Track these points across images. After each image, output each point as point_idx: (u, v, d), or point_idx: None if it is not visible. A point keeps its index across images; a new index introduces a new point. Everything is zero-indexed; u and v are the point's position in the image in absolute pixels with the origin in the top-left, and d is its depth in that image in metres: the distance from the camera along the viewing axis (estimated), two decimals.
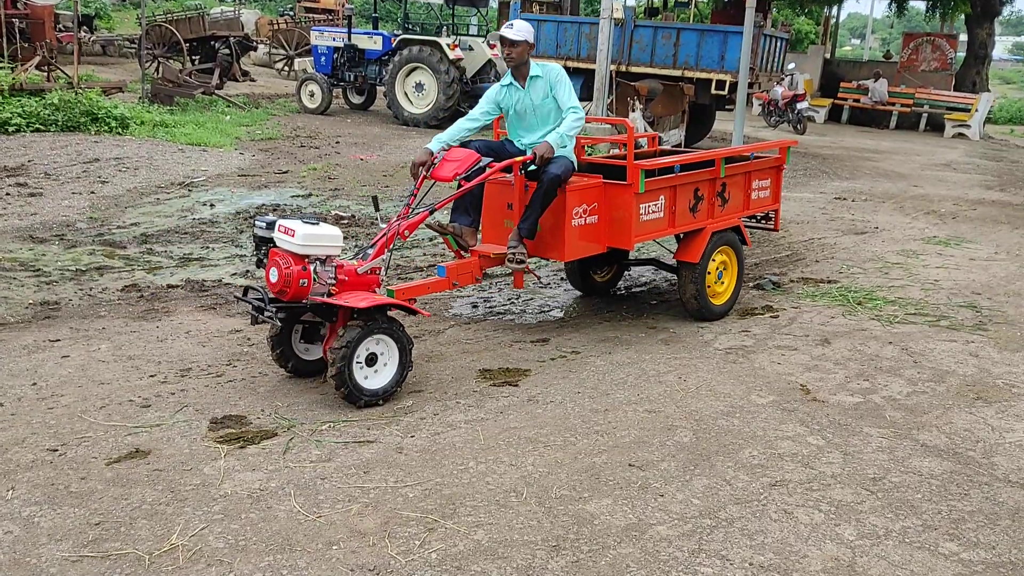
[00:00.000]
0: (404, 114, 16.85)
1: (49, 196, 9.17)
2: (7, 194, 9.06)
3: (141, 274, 6.79)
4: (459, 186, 5.21)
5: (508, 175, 5.51)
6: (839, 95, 26.19)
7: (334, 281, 4.58)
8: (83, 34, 22.45)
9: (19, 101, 12.54)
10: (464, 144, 5.45)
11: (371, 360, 4.56)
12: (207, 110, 16.12)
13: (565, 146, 5.41)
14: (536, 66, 5.54)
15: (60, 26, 20.67)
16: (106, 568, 3.08)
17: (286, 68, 25.37)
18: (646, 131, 12.42)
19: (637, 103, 13.62)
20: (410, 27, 18.21)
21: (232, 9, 29.31)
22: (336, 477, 3.81)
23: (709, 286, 6.21)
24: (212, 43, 20.92)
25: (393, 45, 17.12)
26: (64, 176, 10.10)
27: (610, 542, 3.40)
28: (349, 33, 17.89)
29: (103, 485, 3.64)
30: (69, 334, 5.44)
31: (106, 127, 12.75)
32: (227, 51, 20.69)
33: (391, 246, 4.90)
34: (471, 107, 19.57)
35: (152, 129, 13.30)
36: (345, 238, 7.69)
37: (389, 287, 4.97)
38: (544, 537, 3.41)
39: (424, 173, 5.26)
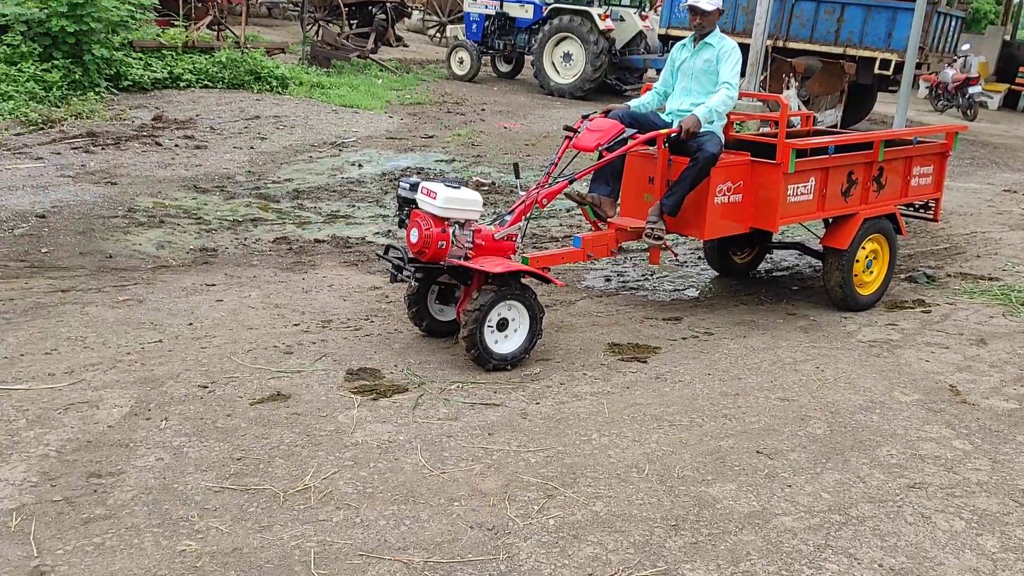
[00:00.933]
0: (550, 84, 16.82)
1: (213, 149, 9.70)
2: (176, 145, 9.65)
3: (291, 228, 7.11)
4: (600, 157, 5.16)
5: (651, 147, 5.42)
6: (1017, 80, 24.29)
7: (471, 245, 4.67)
8: None
9: (191, 58, 13.27)
10: (607, 114, 5.39)
11: (502, 325, 4.62)
12: (361, 73, 16.60)
13: (712, 121, 5.28)
14: (716, 36, 5.47)
15: None
16: (244, 500, 3.27)
17: (438, 35, 25.77)
18: (800, 110, 11.92)
19: (792, 80, 13.07)
20: None
21: None
22: (461, 436, 3.89)
23: (856, 275, 5.93)
24: (370, 8, 21.43)
25: (544, 14, 17.08)
26: (227, 131, 10.66)
27: (731, 527, 3.33)
28: (501, 1, 17.96)
29: (246, 423, 3.86)
30: (224, 280, 5.76)
31: (267, 86, 13.33)
32: (383, 16, 21.16)
33: (528, 214, 4.92)
34: (618, 79, 19.12)
35: (309, 90, 13.82)
36: (484, 204, 7.80)
37: (524, 255, 5.00)
38: (663, 515, 3.37)
39: (566, 143, 5.23)
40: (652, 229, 5.25)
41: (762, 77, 13.25)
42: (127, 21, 12.24)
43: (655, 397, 4.46)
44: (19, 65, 10.66)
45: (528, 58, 18.02)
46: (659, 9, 17.75)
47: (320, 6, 20.47)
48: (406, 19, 26.17)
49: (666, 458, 3.83)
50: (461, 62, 18.05)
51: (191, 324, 4.95)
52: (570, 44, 16.60)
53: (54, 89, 10.69)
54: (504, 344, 4.65)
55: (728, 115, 5.66)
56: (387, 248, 4.87)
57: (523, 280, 4.74)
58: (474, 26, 18.31)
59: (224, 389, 4.17)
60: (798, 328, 5.66)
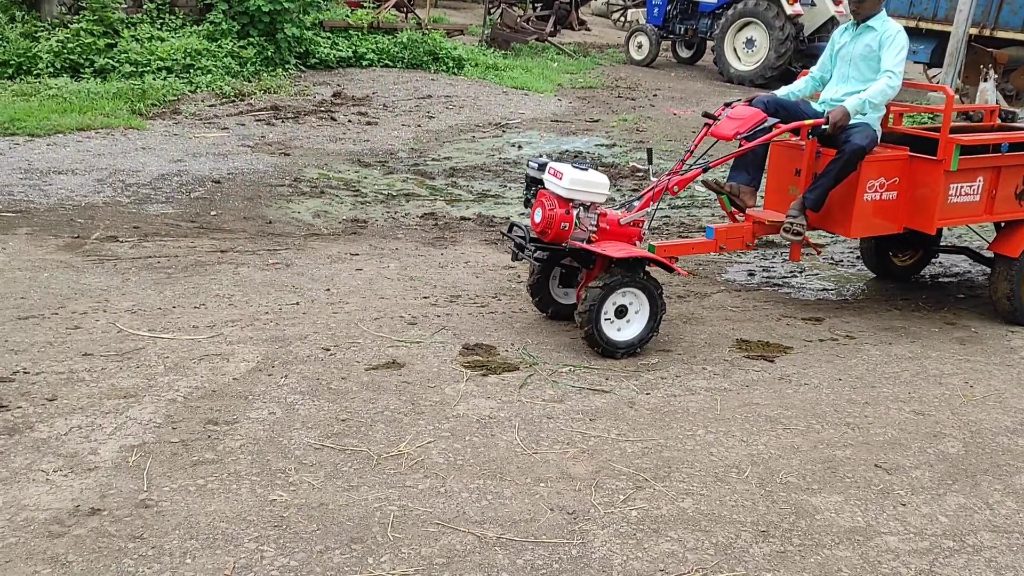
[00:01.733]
0: (730, 70, 16.28)
1: (382, 126, 10.11)
2: (349, 121, 10.13)
3: (441, 204, 7.30)
4: (740, 145, 4.96)
5: (797, 137, 5.15)
6: None
7: (595, 228, 4.58)
8: None
9: (375, 38, 13.87)
10: (750, 101, 5.15)
11: (620, 312, 4.54)
12: (538, 56, 16.74)
13: (865, 113, 4.95)
14: (879, 18, 5.09)
15: None
16: (340, 460, 3.42)
17: (621, 19, 25.54)
18: (998, 103, 10.92)
19: (991, 72, 11.98)
20: None
21: None
22: (562, 419, 3.89)
23: None
24: None
25: None
26: (399, 109, 11.07)
27: (827, 540, 3.14)
28: None
29: (358, 387, 4.03)
30: (367, 250, 6.01)
31: (444, 67, 13.73)
32: (566, 0, 21.22)
33: (657, 200, 4.79)
34: (804, 67, 18.31)
35: (484, 71, 14.10)
36: (634, 190, 7.69)
37: (651, 243, 4.89)
38: (755, 520, 3.23)
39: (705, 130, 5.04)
40: (792, 223, 4.98)
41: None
42: (319, 2, 12.94)
43: (774, 398, 4.26)
44: (219, 42, 11.53)
45: (709, 44, 17.52)
46: None
47: None
48: (590, 3, 26.11)
49: (772, 462, 3.66)
50: (640, 47, 17.81)
51: (328, 290, 5.21)
52: (754, 29, 15.98)
53: (248, 65, 11.49)
54: (627, 329, 4.57)
55: (888, 106, 5.27)
56: (511, 226, 4.90)
57: (648, 268, 4.65)
58: (655, 10, 17.99)
59: (344, 353, 4.37)
60: (953, 339, 5.23)
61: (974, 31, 13.06)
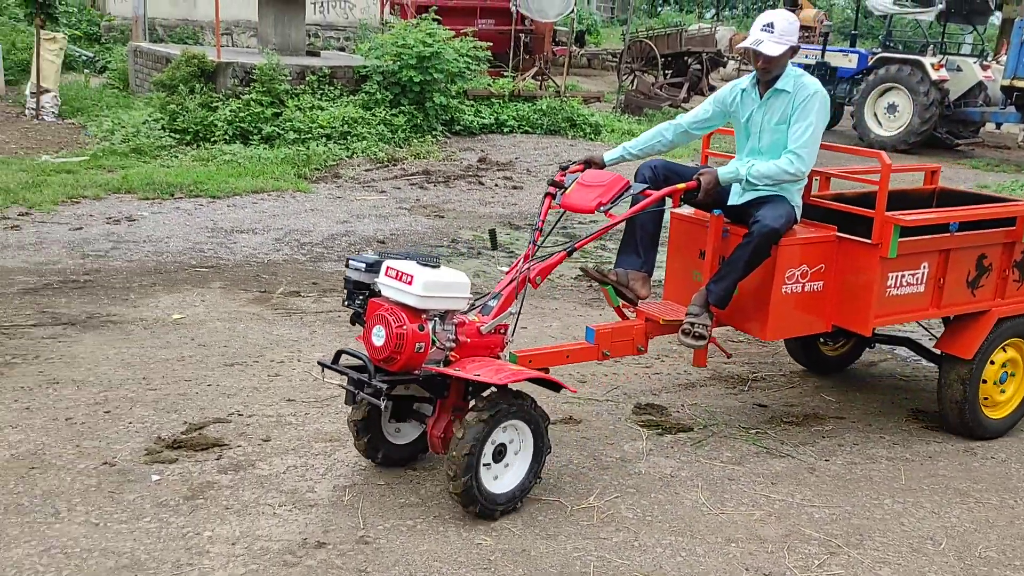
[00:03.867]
0: (870, 135, 16.02)
1: (527, 190, 10.44)
2: (496, 185, 10.52)
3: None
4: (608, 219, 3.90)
5: (719, 213, 4.11)
6: None
7: (454, 344, 3.50)
8: (574, 48, 24.84)
9: (515, 106, 14.38)
10: (639, 168, 4.20)
11: (499, 454, 3.46)
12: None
13: (751, 184, 3.94)
14: (791, 78, 4.03)
15: (556, 40, 23.12)
16: (535, 509, 3.55)
17: None
18: None
19: None
20: (891, 45, 17.24)
21: (709, 26, 30.21)
22: (744, 481, 3.92)
23: (987, 396, 4.49)
24: (685, 58, 21.84)
25: (869, 63, 16.37)
26: (541, 174, 11.40)
27: None
28: (823, 50, 17.48)
29: None
30: (528, 310, 6.18)
31: (581, 132, 14.08)
32: (698, 66, 21.44)
33: (522, 295, 3.74)
34: (949, 133, 17.67)
35: (620, 136, 14.35)
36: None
37: (512, 351, 3.82)
38: None
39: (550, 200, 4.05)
40: (692, 324, 3.97)
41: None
42: (464, 72, 13.56)
43: (961, 471, 4.16)
44: (373, 110, 12.22)
45: (847, 109, 17.32)
46: (1002, 59, 16.31)
47: (637, 56, 21.18)
48: (721, 68, 26.24)
49: (968, 535, 3.58)
50: None
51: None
52: (896, 95, 15.73)
53: (399, 132, 12.12)
54: (504, 478, 3.48)
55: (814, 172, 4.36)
56: (338, 354, 3.54)
57: (514, 387, 3.49)
58: None
59: None
60: None
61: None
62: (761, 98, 4.08)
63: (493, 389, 3.42)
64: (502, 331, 3.69)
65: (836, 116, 18.69)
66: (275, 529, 3.26)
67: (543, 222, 4.00)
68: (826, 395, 4.99)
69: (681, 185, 3.93)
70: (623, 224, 4.08)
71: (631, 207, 3.96)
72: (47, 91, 12.12)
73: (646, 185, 4.01)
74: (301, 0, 13.82)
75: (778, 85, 4.02)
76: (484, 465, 3.36)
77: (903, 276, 4.14)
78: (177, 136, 10.89)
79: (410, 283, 3.33)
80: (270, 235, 7.61)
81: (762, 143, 4.12)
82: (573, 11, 18.85)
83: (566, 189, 3.97)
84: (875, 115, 16.10)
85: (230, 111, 11.20)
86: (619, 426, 4.40)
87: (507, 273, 3.80)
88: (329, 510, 3.41)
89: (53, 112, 12.09)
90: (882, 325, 4.25)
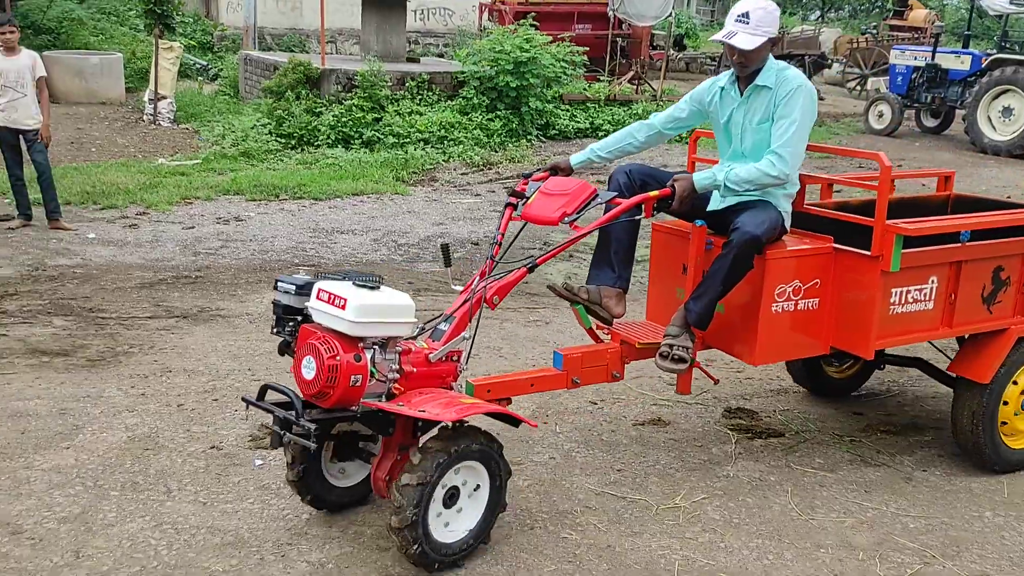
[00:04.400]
0: (984, 140, 15.37)
1: None
2: None
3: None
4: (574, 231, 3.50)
5: (702, 223, 3.66)
6: None
7: (397, 375, 3.09)
8: (672, 52, 24.63)
9: (611, 110, 14.38)
10: (613, 173, 3.78)
11: (451, 498, 3.06)
12: None
13: (730, 191, 3.51)
14: (772, 72, 3.61)
15: (654, 44, 22.98)
16: (620, 507, 3.59)
17: (858, 87, 24.80)
18: None
19: None
20: (1007, 45, 16.50)
21: (812, 28, 29.51)
22: (835, 488, 3.85)
23: (1006, 421, 4.03)
24: (787, 61, 21.41)
25: (983, 65, 15.71)
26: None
27: None
28: (934, 52, 16.84)
29: (627, 440, 4.21)
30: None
31: (678, 137, 13.97)
32: (801, 69, 20.98)
33: (476, 317, 3.29)
34: None
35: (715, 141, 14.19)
36: None
37: (468, 380, 3.38)
38: None
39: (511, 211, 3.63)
40: (671, 347, 3.58)
41: None
42: (560, 77, 13.65)
43: None
44: (470, 115, 12.43)
45: (959, 112, 16.65)
46: None
47: None
48: (825, 71, 25.60)
49: None
50: (880, 116, 17.22)
51: None
52: (1012, 98, 15.05)
53: (495, 136, 12.29)
54: (455, 524, 3.08)
55: (805, 179, 3.91)
56: (263, 389, 3.13)
57: (469, 423, 3.11)
58: (899, 78, 17.37)
59: (611, 408, 4.57)
60: None
61: None
62: (742, 95, 3.68)
63: (445, 424, 3.05)
64: (455, 358, 3.25)
65: (946, 119, 18.01)
66: (369, 515, 3.39)
67: (502, 235, 3.59)
68: (926, 405, 4.85)
69: (653, 192, 3.47)
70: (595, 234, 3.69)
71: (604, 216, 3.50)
72: (164, 98, 12.78)
73: (616, 193, 3.58)
74: (402, 8, 14.17)
75: (758, 81, 3.60)
76: (435, 514, 2.99)
77: (908, 292, 3.72)
78: (283, 140, 11.33)
79: (343, 307, 2.91)
80: (368, 236, 7.85)
81: (745, 145, 3.71)
82: (671, 15, 18.73)
83: (528, 199, 3.55)
84: (988, 119, 15.43)
85: (333, 116, 11.58)
86: (708, 429, 4.39)
87: (461, 293, 3.39)
88: None
89: (169, 118, 12.74)
90: (886, 347, 3.90)
